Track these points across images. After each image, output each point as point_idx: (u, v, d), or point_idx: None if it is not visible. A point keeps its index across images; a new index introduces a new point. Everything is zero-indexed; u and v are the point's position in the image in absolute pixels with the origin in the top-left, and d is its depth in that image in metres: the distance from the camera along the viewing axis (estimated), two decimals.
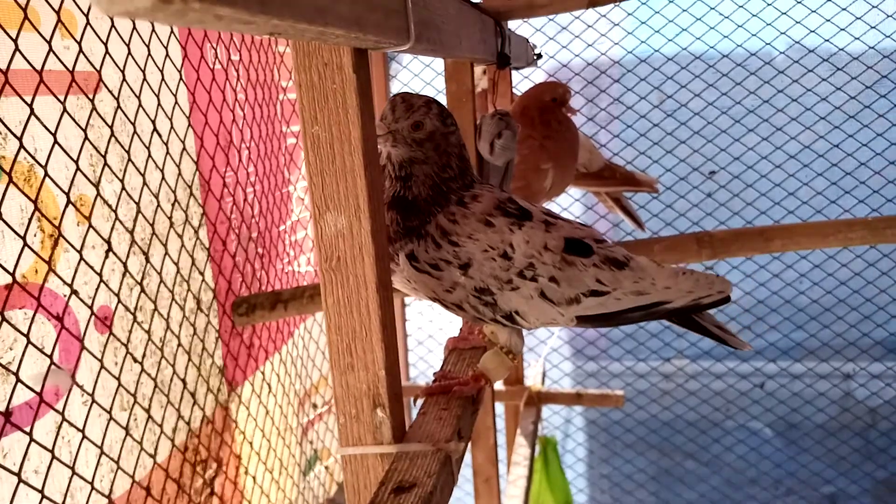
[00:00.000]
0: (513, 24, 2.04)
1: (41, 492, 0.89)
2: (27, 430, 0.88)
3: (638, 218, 2.06)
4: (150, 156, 1.12)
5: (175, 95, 1.21)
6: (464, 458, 0.84)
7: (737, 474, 2.62)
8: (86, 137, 0.97)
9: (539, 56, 1.89)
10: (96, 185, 1.00)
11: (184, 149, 1.23)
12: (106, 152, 1.02)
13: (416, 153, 0.75)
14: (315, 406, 1.97)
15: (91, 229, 0.99)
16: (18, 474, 0.85)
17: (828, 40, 2.05)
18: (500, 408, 2.41)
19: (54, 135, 0.89)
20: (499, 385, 2.12)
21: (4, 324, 0.85)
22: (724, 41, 2.11)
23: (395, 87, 2.35)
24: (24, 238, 0.85)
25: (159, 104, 1.15)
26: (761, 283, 2.30)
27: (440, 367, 0.95)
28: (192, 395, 1.26)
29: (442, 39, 0.81)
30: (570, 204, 2.38)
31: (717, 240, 1.27)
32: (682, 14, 2.10)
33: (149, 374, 1.11)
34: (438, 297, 0.78)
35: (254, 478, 1.53)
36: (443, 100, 1.36)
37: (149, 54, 1.12)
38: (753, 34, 2.08)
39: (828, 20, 2.02)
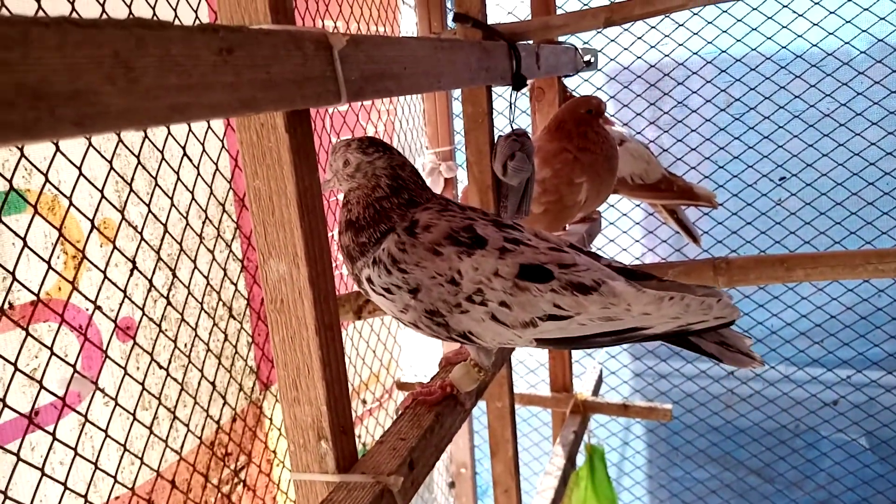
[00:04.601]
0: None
1: (64, 484, 1.01)
2: (50, 429, 1.01)
3: (694, 232, 1.98)
4: (178, 179, 1.22)
5: (209, 122, 1.30)
6: (419, 486, 0.88)
7: (804, 496, 2.49)
8: (111, 167, 1.08)
9: (589, 63, 1.86)
10: (121, 211, 1.11)
11: (216, 170, 1.33)
12: (132, 179, 1.13)
13: (352, 184, 0.84)
14: (364, 402, 2.06)
15: (115, 250, 1.10)
16: (42, 468, 0.97)
17: None
18: (546, 415, 2.42)
19: (79, 168, 1.00)
20: (545, 391, 2.13)
21: (31, 335, 0.97)
22: (797, 41, 1.98)
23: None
24: (48, 262, 0.96)
25: (190, 130, 1.25)
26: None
27: (430, 379, 1.00)
28: (222, 395, 1.37)
29: (402, 85, 0.83)
30: (631, 209, 2.32)
31: (734, 266, 1.22)
32: (752, 13, 1.99)
33: (173, 378, 1.22)
34: (396, 316, 0.83)
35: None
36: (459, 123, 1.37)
37: None
38: (830, 33, 1.94)
39: None
